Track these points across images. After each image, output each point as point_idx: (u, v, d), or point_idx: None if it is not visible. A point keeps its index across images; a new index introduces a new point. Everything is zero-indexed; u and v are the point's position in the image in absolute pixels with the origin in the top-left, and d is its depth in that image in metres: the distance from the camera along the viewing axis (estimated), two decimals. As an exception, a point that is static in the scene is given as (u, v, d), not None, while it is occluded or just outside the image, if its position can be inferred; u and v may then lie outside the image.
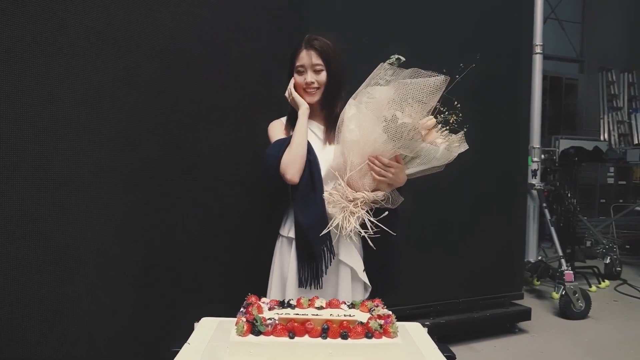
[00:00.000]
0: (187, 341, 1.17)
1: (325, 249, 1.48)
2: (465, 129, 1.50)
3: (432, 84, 1.39)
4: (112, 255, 1.88)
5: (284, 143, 1.54)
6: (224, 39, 2.07)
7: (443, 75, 1.40)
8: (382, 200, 1.47)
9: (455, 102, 1.46)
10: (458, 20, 2.87)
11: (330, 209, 1.47)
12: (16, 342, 1.72)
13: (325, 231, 1.44)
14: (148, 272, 1.96)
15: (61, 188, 1.77)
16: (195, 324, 1.30)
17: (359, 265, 1.53)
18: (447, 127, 1.48)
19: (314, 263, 1.49)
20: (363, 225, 1.44)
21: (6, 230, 1.69)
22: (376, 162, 1.43)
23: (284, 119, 1.66)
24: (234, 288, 1.75)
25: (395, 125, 1.39)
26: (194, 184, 2.03)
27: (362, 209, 1.44)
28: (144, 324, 1.95)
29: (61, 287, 1.78)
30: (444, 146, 1.47)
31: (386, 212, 1.45)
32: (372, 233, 1.43)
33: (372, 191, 1.47)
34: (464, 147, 1.50)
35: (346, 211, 1.43)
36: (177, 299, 2.00)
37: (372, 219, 1.44)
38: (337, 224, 1.44)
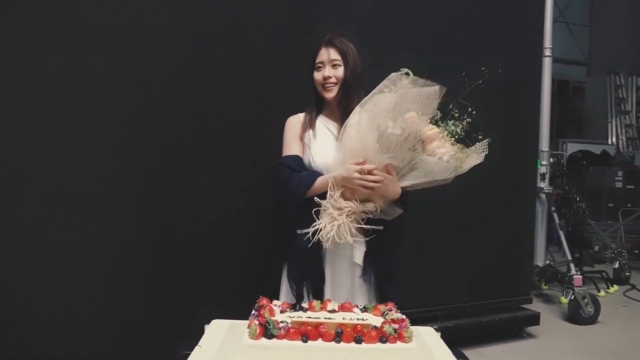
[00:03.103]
0: (198, 343, 1.15)
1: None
2: (480, 138, 1.47)
3: (425, 93, 1.38)
4: (121, 257, 1.87)
5: (304, 184, 1.50)
6: (234, 39, 2.07)
7: (438, 85, 1.39)
8: (372, 212, 1.46)
9: (470, 109, 1.43)
10: (466, 23, 2.85)
11: (322, 215, 1.46)
12: (23, 344, 1.72)
13: (304, 231, 1.44)
14: (157, 274, 1.95)
15: (68, 189, 1.76)
16: (206, 326, 1.29)
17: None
18: (455, 137, 1.46)
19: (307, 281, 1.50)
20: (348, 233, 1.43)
21: (15, 231, 1.68)
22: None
23: (301, 115, 1.66)
24: (243, 290, 1.75)
25: (385, 135, 1.38)
26: (203, 185, 2.02)
27: (347, 217, 1.42)
28: (153, 326, 1.94)
29: (68, 289, 1.78)
30: (446, 157, 1.43)
31: (363, 224, 1.45)
32: (351, 241, 1.42)
33: (362, 202, 1.45)
34: (478, 159, 1.46)
35: (330, 217, 1.42)
36: (186, 301, 1.99)
37: (352, 229, 1.42)
38: (320, 230, 1.42)
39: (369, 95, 1.47)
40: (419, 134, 1.41)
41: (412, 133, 1.39)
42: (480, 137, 1.47)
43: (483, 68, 1.44)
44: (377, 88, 1.46)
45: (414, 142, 1.41)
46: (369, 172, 1.41)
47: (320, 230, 1.41)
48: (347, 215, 1.43)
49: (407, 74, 1.44)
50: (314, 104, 1.65)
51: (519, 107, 3.12)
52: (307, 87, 1.66)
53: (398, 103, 1.38)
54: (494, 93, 2.77)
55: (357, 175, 1.41)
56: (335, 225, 1.40)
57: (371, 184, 1.41)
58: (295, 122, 1.64)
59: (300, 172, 1.54)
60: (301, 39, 2.05)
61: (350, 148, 1.45)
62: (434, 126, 1.44)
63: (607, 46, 9.40)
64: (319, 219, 1.44)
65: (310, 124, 1.61)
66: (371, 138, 1.40)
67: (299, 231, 1.46)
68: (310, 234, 1.42)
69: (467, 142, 1.48)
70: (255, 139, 2.08)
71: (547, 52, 4.07)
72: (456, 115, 1.46)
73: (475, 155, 1.47)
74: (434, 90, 1.38)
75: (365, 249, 1.50)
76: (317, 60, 1.59)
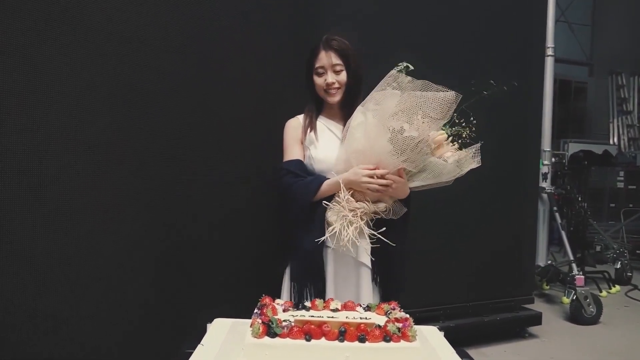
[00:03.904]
0: (201, 342, 1.15)
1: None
2: (480, 143, 1.48)
3: (442, 99, 1.37)
4: (122, 257, 1.87)
5: (310, 190, 1.49)
6: (236, 40, 2.06)
7: (454, 92, 1.38)
8: (383, 212, 1.46)
9: (472, 118, 1.44)
10: (468, 23, 2.85)
11: (329, 216, 1.45)
12: (23, 344, 1.71)
13: (322, 238, 1.42)
14: (158, 274, 1.95)
15: (67, 190, 1.75)
16: (208, 325, 1.29)
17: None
18: (459, 141, 1.46)
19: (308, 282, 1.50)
20: (362, 234, 1.43)
21: (15, 231, 1.68)
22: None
23: (300, 117, 1.63)
24: (244, 289, 1.74)
25: (401, 137, 1.37)
26: (205, 185, 2.02)
27: (361, 219, 1.42)
28: (156, 325, 1.94)
29: (69, 289, 1.77)
30: (452, 160, 1.44)
31: (384, 228, 1.44)
32: (368, 242, 1.42)
33: (374, 202, 1.46)
34: (476, 163, 1.48)
35: (345, 220, 1.42)
36: (187, 300, 1.99)
37: (370, 230, 1.43)
38: (335, 234, 1.41)
39: (369, 95, 1.46)
40: (430, 138, 1.41)
41: (426, 136, 1.39)
42: (480, 142, 1.48)
43: (492, 81, 1.44)
44: (377, 87, 1.45)
45: (425, 145, 1.41)
46: (381, 176, 1.41)
47: (336, 234, 1.40)
48: (360, 216, 1.43)
49: (406, 67, 1.43)
50: (313, 105, 1.63)
51: (521, 107, 3.12)
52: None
53: (410, 105, 1.37)
54: (496, 93, 2.78)
55: (365, 179, 1.41)
56: (352, 228, 1.40)
57: (382, 188, 1.41)
58: (294, 125, 1.62)
59: (304, 176, 1.52)
60: (301, 39, 2.04)
61: (356, 150, 1.44)
62: (443, 131, 1.45)
63: (609, 46, 9.39)
64: (328, 223, 1.44)
65: (310, 126, 1.58)
66: (382, 139, 1.39)
67: (317, 240, 1.43)
68: (327, 239, 1.42)
69: (469, 145, 1.49)
70: (255, 138, 2.08)
71: (549, 52, 4.07)
72: (457, 121, 1.46)
73: (473, 159, 1.48)
74: (451, 96, 1.37)
75: (370, 248, 1.49)
76: (317, 65, 1.54)
